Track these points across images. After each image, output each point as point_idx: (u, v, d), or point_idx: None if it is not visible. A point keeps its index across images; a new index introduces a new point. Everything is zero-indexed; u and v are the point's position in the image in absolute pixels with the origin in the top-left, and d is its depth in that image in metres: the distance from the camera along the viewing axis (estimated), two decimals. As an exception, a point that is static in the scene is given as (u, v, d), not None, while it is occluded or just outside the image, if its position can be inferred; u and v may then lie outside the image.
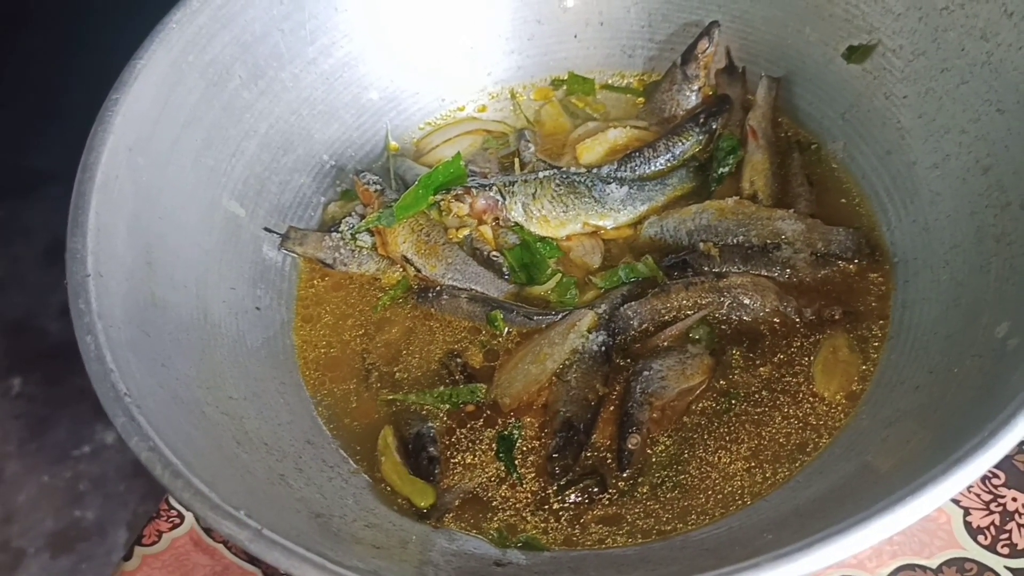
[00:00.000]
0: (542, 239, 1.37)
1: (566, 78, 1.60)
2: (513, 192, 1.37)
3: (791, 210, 1.32)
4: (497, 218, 1.37)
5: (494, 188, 1.37)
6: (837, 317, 1.23)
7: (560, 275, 1.33)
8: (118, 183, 1.12)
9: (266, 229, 1.36)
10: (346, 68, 1.47)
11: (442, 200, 1.36)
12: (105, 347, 0.96)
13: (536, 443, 1.19)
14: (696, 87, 1.49)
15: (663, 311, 1.25)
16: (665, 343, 1.23)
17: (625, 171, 1.41)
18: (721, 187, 1.39)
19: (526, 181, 1.37)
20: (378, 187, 1.40)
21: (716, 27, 1.47)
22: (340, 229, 1.38)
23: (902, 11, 1.28)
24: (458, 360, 1.26)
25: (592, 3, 1.55)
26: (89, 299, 1.00)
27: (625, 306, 1.26)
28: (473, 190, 1.36)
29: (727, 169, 1.40)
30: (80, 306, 0.99)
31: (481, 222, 1.37)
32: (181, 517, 1.24)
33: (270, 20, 1.36)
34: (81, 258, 1.03)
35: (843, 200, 1.36)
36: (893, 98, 1.31)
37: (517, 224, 1.37)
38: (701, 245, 1.30)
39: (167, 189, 1.21)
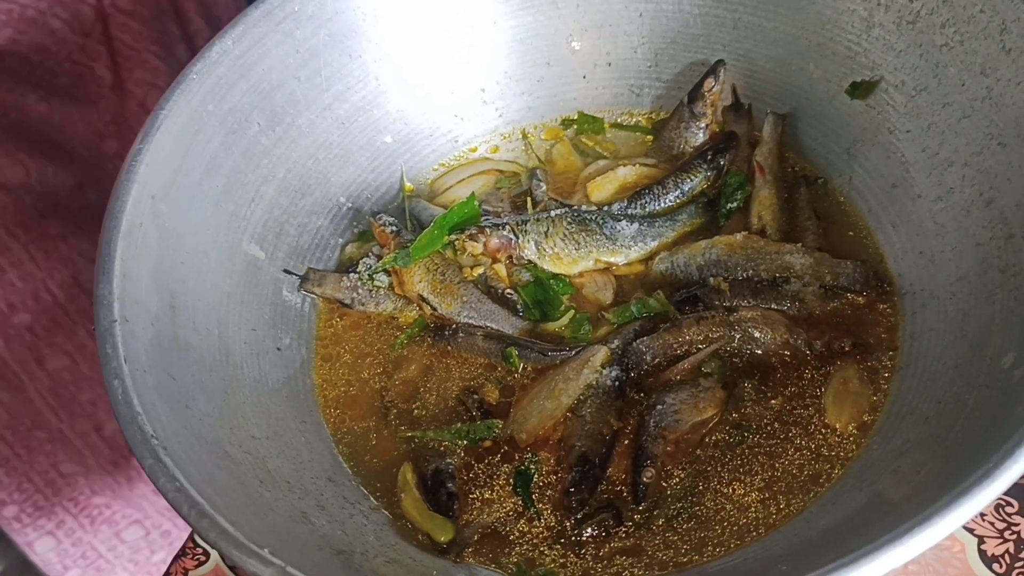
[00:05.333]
0: (555, 276, 1.39)
1: (576, 118, 1.62)
2: (526, 231, 1.39)
3: (799, 244, 1.33)
4: (511, 256, 1.39)
5: (507, 227, 1.39)
6: (847, 349, 1.24)
7: (573, 311, 1.35)
8: (142, 230, 1.15)
9: (285, 271, 1.39)
10: (361, 113, 1.50)
11: (457, 240, 1.38)
12: (132, 391, 0.98)
13: (552, 478, 1.20)
14: (703, 124, 1.51)
15: (675, 345, 1.27)
16: (678, 377, 1.25)
17: (635, 208, 1.42)
18: (730, 222, 1.41)
19: (538, 220, 1.40)
20: (394, 228, 1.42)
21: (722, 66, 1.49)
22: (358, 270, 1.40)
23: (903, 48, 1.31)
24: (475, 397, 1.28)
25: (600, 45, 1.57)
26: (116, 344, 1.02)
27: (638, 341, 1.28)
28: (487, 229, 1.38)
29: (735, 205, 1.42)
30: (107, 351, 1.01)
31: (495, 260, 1.39)
32: (207, 555, 1.26)
33: (286, 68, 1.39)
34: (108, 304, 1.05)
35: (851, 233, 1.37)
36: (897, 133, 1.33)
37: (530, 262, 1.39)
38: (711, 280, 1.32)
39: (188, 234, 1.24)
